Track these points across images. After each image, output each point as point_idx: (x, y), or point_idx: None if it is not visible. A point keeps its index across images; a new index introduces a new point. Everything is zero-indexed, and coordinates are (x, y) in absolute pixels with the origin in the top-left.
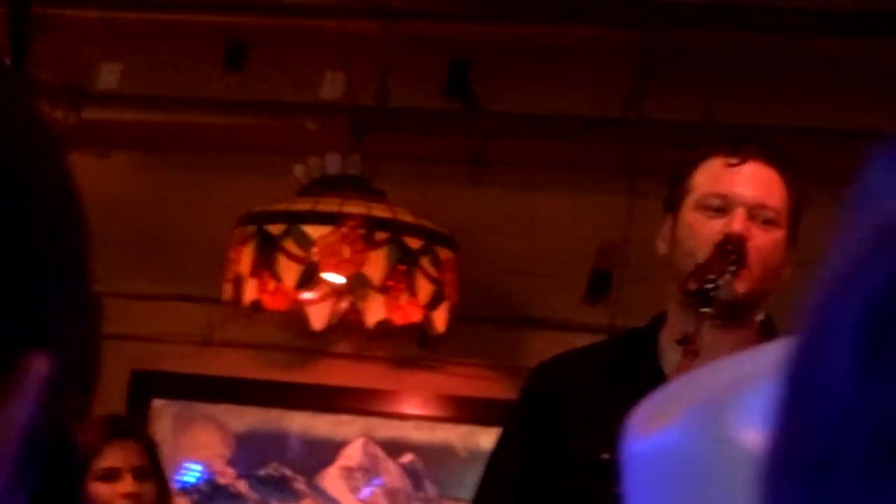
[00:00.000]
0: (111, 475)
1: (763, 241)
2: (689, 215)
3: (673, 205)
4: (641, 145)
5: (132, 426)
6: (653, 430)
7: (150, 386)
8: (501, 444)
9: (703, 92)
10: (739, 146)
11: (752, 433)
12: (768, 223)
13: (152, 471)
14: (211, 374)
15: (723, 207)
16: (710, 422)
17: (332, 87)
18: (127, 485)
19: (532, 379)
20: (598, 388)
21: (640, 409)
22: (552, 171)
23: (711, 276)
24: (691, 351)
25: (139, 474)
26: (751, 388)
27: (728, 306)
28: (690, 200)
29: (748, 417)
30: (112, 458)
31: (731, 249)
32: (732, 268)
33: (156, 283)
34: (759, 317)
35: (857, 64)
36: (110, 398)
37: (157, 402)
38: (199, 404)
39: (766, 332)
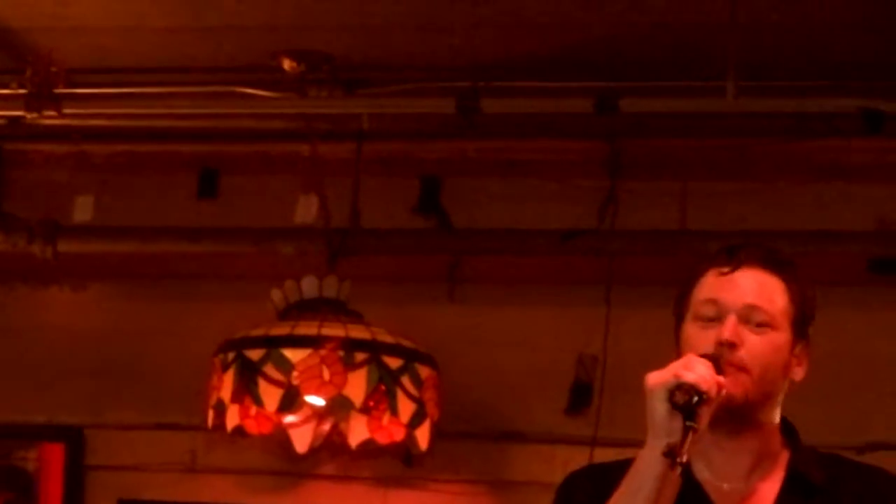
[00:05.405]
0: None
1: (757, 344)
2: (688, 328)
3: (678, 321)
4: (617, 255)
5: None
6: None
7: None
8: None
9: (676, 198)
10: (733, 254)
11: None
12: (763, 326)
13: None
14: (197, 502)
15: (716, 316)
16: None
17: (305, 210)
18: None
19: (569, 481)
20: None
21: None
22: (528, 285)
23: (696, 390)
24: (678, 463)
25: None
26: None
27: (727, 411)
28: (689, 314)
29: None
30: None
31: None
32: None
33: (138, 413)
34: (775, 419)
35: (828, 163)
36: None
37: None
38: None
39: (786, 433)
